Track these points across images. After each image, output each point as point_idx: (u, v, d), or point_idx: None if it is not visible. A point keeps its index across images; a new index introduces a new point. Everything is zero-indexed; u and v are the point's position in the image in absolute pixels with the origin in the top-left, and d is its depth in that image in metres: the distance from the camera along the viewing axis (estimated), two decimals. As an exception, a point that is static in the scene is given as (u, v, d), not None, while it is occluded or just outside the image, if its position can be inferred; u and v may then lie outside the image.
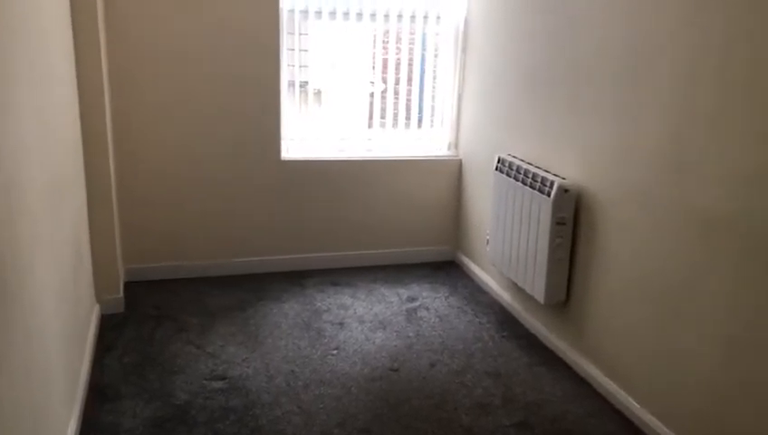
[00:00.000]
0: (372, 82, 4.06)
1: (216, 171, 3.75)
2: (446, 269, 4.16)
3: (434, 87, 4.12)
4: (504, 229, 3.40)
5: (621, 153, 2.67)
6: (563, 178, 2.97)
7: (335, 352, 3.10)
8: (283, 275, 3.93)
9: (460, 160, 4.15)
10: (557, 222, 2.97)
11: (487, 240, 3.71)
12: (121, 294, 3.43)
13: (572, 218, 2.97)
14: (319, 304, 3.58)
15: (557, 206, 2.95)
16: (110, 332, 3.18)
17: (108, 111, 3.26)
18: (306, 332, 3.27)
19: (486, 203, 3.77)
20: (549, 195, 2.97)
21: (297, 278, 3.89)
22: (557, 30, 3.07)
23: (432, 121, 4.17)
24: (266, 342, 3.16)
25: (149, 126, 3.60)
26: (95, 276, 3.26)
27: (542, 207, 3.02)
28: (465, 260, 4.14)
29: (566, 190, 2.94)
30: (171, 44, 3.53)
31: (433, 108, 4.15)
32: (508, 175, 3.33)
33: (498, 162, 3.45)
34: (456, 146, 4.19)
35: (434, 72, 4.11)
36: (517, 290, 3.43)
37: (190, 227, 3.79)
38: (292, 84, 3.90)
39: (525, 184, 3.17)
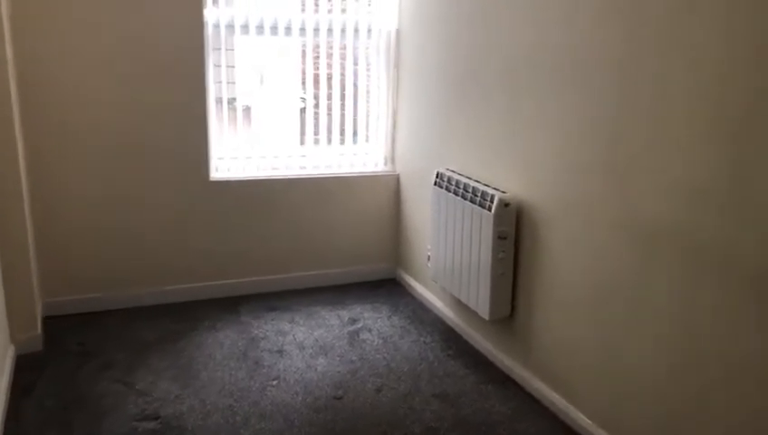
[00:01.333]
0: (303, 98, 3.94)
1: (142, 195, 3.54)
2: (388, 287, 4.06)
3: (367, 101, 4.04)
4: (446, 245, 3.32)
5: (562, 165, 2.64)
6: (504, 192, 2.92)
7: (275, 382, 2.94)
8: (217, 302, 3.74)
9: (398, 176, 4.07)
10: (499, 236, 2.92)
11: (428, 256, 3.63)
12: (39, 330, 3.17)
13: (514, 233, 2.93)
14: (256, 331, 3.42)
15: (498, 220, 2.89)
16: (26, 374, 2.93)
17: (19, 138, 3.02)
18: (243, 362, 3.10)
19: (426, 218, 3.70)
20: (489, 209, 2.91)
21: (232, 305, 3.71)
22: (488, 39, 3.04)
23: (367, 137, 4.07)
24: (201, 375, 2.97)
25: (67, 149, 3.36)
26: (8, 313, 2.99)
27: (483, 222, 2.96)
28: (407, 277, 4.05)
29: (507, 204, 2.89)
30: (87, 62, 3.31)
31: (367, 123, 4.06)
32: (447, 189, 3.27)
33: (437, 177, 3.38)
34: (393, 161, 4.11)
35: (367, 86, 4.02)
36: (461, 306, 3.36)
37: (116, 254, 3.56)
38: (219, 101, 3.73)
39: (465, 198, 3.11)
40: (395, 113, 4.03)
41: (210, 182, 3.66)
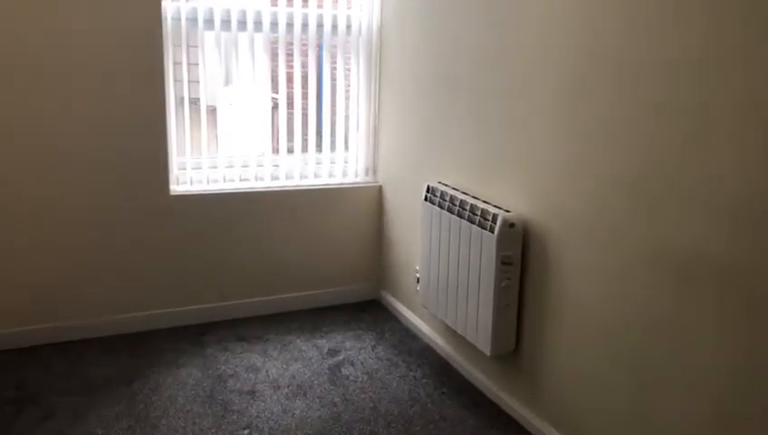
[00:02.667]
0: (275, 98, 3.53)
1: (91, 213, 3.10)
2: (370, 311, 3.67)
3: (346, 105, 3.64)
4: (438, 268, 2.95)
5: (577, 180, 2.28)
6: (507, 211, 2.57)
7: (246, 432, 2.54)
8: (179, 331, 3.31)
9: (380, 187, 3.69)
10: (503, 262, 2.56)
11: (417, 278, 3.26)
12: (-32, 374, 2.73)
13: (520, 257, 2.57)
14: (223, 367, 3.00)
15: (502, 243, 2.53)
16: (-50, 429, 2.48)
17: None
18: (209, 406, 2.69)
19: (414, 235, 3.33)
20: (492, 230, 2.55)
21: (196, 335, 3.29)
22: (487, 35, 2.67)
23: (346, 144, 3.68)
24: (160, 424, 2.55)
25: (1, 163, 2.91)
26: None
27: (485, 245, 2.60)
28: (390, 299, 3.68)
29: (512, 225, 2.53)
30: (24, 59, 2.86)
31: (347, 129, 3.67)
32: (441, 206, 2.90)
33: (428, 191, 3.01)
34: (375, 171, 3.72)
35: (346, 88, 3.63)
36: (456, 337, 3.00)
37: (62, 280, 3.11)
38: (181, 102, 3.31)
39: (462, 217, 2.74)
40: (377, 119, 3.65)
41: (170, 197, 3.23)
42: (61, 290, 3.12)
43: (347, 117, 3.64)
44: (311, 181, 3.59)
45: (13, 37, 2.82)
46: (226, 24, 3.27)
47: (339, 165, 3.66)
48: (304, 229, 3.56)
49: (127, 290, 3.24)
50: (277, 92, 3.47)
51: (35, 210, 3.01)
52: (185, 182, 3.34)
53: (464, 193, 2.82)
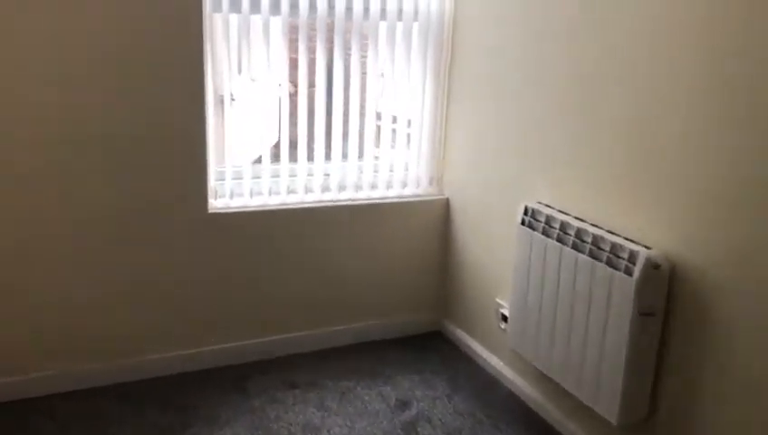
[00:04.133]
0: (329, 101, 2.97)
1: (113, 235, 2.55)
2: (434, 346, 3.14)
3: (407, 105, 3.09)
4: (540, 308, 2.42)
5: (750, 207, 1.75)
6: (648, 247, 2.03)
7: None
8: (216, 375, 2.77)
9: (446, 201, 3.15)
10: (641, 313, 2.03)
11: (503, 315, 2.74)
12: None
13: (664, 307, 2.04)
14: (275, 425, 2.47)
15: (644, 289, 2.00)
16: None
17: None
18: (265, 484, 2.16)
19: (495, 261, 2.80)
20: (629, 272, 2.02)
21: (237, 380, 2.74)
22: (604, 16, 2.13)
23: (408, 148, 3.13)
24: (206, 511, 2.03)
25: None
26: None
27: (615, 289, 2.07)
28: (458, 332, 3.14)
29: (656, 266, 2.00)
30: (45, 56, 2.30)
31: (409, 132, 3.11)
32: (546, 234, 2.36)
33: (526, 214, 2.47)
34: (441, 181, 3.18)
35: (409, 82, 3.06)
36: (559, 392, 2.47)
37: (77, 315, 2.57)
38: (220, 101, 2.75)
39: (581, 250, 2.21)
40: (444, 120, 3.10)
41: (208, 216, 2.68)
42: (76, 327, 2.58)
43: (409, 122, 3.08)
44: (366, 193, 3.04)
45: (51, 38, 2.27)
46: (276, 7, 2.70)
47: (398, 173, 3.11)
48: (358, 250, 3.02)
49: (155, 326, 2.70)
50: (331, 93, 2.91)
51: (52, 238, 2.46)
52: (223, 195, 2.79)
53: (578, 219, 2.28)
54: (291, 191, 2.92)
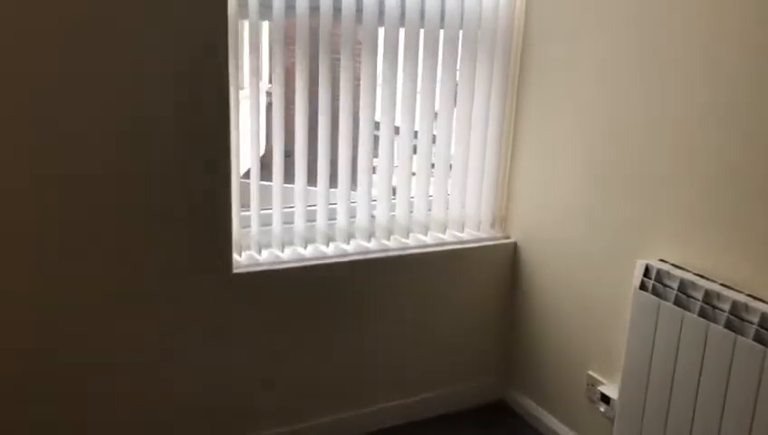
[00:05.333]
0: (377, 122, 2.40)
1: (112, 305, 1.95)
2: (500, 422, 2.58)
3: (467, 130, 2.53)
4: (670, 399, 1.89)
5: None
6: None
7: None
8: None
9: (514, 245, 2.60)
10: None
11: (602, 395, 2.20)
12: None
13: None
14: None
15: None
16: None
17: None
18: None
19: (583, 324, 2.26)
20: (827, 369, 1.50)
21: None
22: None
23: (465, 183, 2.57)
24: None
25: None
26: None
27: (804, 389, 1.55)
28: (528, 404, 2.60)
29: None
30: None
31: (466, 162, 2.56)
32: (682, 305, 1.83)
33: (649, 275, 1.93)
34: (505, 222, 2.64)
35: (470, 99, 2.51)
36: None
37: (46, 406, 1.96)
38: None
39: (742, 333, 1.68)
40: (511, 147, 2.57)
41: (233, 277, 2.09)
42: (46, 426, 1.97)
43: (468, 146, 2.53)
44: (417, 239, 2.49)
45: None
46: (291, 8, 2.13)
47: (454, 211, 2.56)
48: (406, 308, 2.46)
49: (156, 414, 2.10)
50: (373, 112, 2.35)
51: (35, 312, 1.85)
52: (248, 248, 2.21)
53: (728, 287, 1.76)
54: (329, 238, 2.35)
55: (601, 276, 2.19)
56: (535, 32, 2.41)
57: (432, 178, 2.49)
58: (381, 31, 2.26)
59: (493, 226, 2.64)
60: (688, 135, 1.89)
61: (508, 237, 2.62)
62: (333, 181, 2.32)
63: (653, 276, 1.92)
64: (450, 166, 2.53)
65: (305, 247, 2.29)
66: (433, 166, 2.48)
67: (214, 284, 2.07)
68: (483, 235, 2.61)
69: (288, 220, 2.28)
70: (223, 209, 2.04)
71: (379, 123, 2.35)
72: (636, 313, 1.98)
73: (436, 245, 2.49)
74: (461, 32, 2.40)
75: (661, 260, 1.96)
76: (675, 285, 1.86)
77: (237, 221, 2.14)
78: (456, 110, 2.46)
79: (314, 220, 2.32)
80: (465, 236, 2.58)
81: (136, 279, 1.97)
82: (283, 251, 2.25)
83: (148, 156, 1.90)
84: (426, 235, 2.51)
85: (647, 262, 1.95)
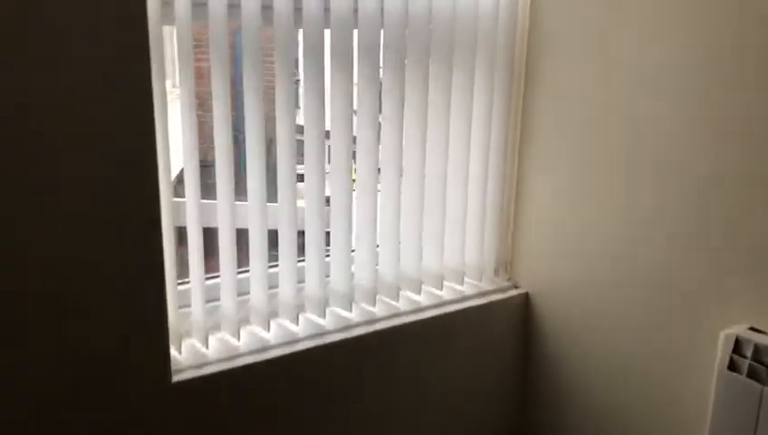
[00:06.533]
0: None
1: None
2: None
3: (462, 157, 1.99)
4: None
5: None
6: None
7: None
8: None
9: (525, 297, 2.09)
10: None
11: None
12: None
13: None
14: None
15: None
16: None
17: None
18: None
19: (636, 400, 1.77)
20: None
21: None
22: None
23: (464, 220, 2.03)
24: None
25: None
26: None
27: None
28: (551, 491, 2.10)
29: None
30: None
31: (466, 198, 2.02)
32: (799, 394, 1.36)
33: (739, 351, 1.46)
34: (511, 266, 2.12)
35: (468, 114, 1.98)
36: None
37: None
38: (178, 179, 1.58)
39: None
40: (516, 175, 2.06)
41: (173, 388, 1.48)
42: None
43: (468, 171, 1.99)
44: (409, 301, 1.94)
45: None
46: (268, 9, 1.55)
47: (452, 257, 2.02)
48: (397, 394, 1.90)
49: None
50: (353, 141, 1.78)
51: None
52: (189, 335, 1.60)
53: None
54: (299, 309, 1.76)
55: (654, 343, 1.71)
56: (542, 33, 1.90)
57: (424, 219, 1.94)
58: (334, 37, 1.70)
59: (497, 273, 2.11)
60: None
61: (515, 286, 2.11)
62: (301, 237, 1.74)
63: (746, 352, 1.45)
64: (442, 201, 1.98)
65: (268, 328, 1.70)
66: (423, 204, 1.93)
67: (145, 402, 1.45)
68: (486, 286, 2.08)
69: (244, 290, 1.69)
70: (153, 281, 1.43)
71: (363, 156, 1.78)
72: (724, 399, 1.49)
73: (433, 306, 1.94)
74: (453, 32, 1.86)
75: (753, 329, 1.48)
76: (783, 365, 1.39)
77: (173, 297, 1.53)
78: (431, 133, 1.92)
79: (276, 287, 1.74)
80: (465, 289, 2.04)
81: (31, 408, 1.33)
82: (238, 337, 1.66)
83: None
84: (419, 292, 1.96)
85: (736, 333, 1.47)
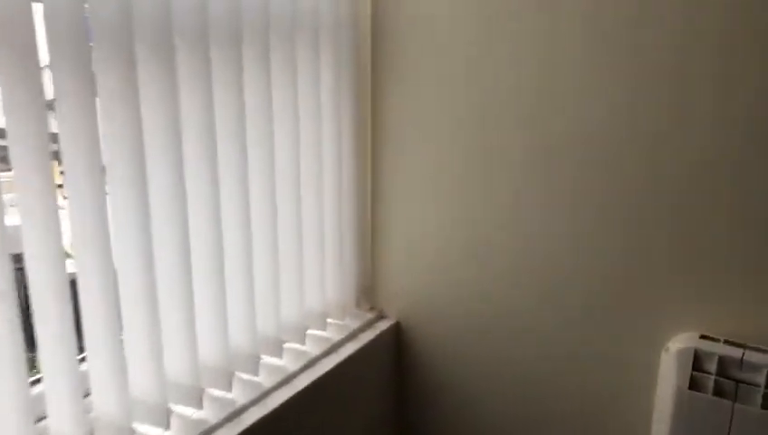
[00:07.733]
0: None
1: None
2: None
3: (314, 161, 1.52)
4: None
5: None
6: None
7: None
8: None
9: (396, 327, 1.71)
10: None
11: None
12: None
13: None
14: None
15: None
16: None
17: None
18: None
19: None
20: None
21: None
22: None
23: (322, 245, 1.56)
24: None
25: None
26: None
27: None
28: None
29: None
30: None
31: (320, 220, 1.55)
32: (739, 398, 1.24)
33: (699, 367, 1.28)
34: (375, 291, 1.72)
35: (314, 131, 1.49)
36: None
37: None
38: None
39: None
40: (373, 179, 1.65)
41: None
42: None
43: (318, 188, 1.52)
44: (270, 369, 1.43)
45: None
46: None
47: (314, 297, 1.55)
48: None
49: None
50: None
51: None
52: None
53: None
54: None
55: (573, 365, 1.48)
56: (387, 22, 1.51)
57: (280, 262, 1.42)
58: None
59: (358, 303, 1.70)
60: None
61: (383, 316, 1.72)
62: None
63: (712, 368, 1.28)
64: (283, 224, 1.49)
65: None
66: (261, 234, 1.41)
67: None
68: (351, 323, 1.65)
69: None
70: None
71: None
72: (686, 426, 1.31)
73: (300, 370, 1.46)
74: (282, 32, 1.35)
75: (705, 338, 1.32)
76: (755, 379, 1.25)
77: None
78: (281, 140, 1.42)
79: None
80: (330, 335, 1.59)
81: None
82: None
83: None
84: (280, 356, 1.46)
85: (694, 346, 1.29)
